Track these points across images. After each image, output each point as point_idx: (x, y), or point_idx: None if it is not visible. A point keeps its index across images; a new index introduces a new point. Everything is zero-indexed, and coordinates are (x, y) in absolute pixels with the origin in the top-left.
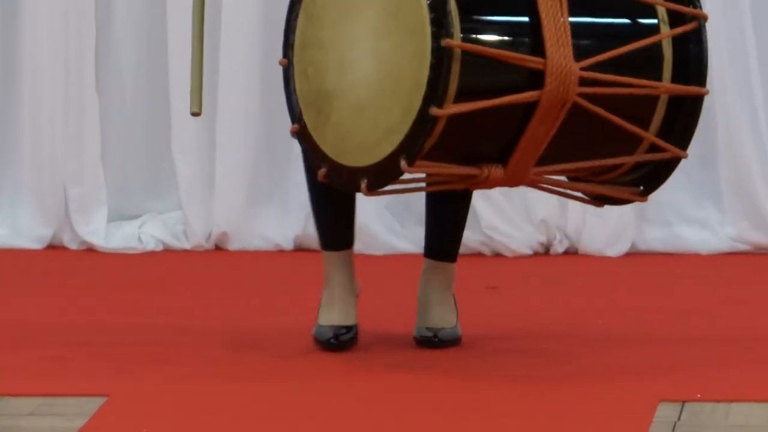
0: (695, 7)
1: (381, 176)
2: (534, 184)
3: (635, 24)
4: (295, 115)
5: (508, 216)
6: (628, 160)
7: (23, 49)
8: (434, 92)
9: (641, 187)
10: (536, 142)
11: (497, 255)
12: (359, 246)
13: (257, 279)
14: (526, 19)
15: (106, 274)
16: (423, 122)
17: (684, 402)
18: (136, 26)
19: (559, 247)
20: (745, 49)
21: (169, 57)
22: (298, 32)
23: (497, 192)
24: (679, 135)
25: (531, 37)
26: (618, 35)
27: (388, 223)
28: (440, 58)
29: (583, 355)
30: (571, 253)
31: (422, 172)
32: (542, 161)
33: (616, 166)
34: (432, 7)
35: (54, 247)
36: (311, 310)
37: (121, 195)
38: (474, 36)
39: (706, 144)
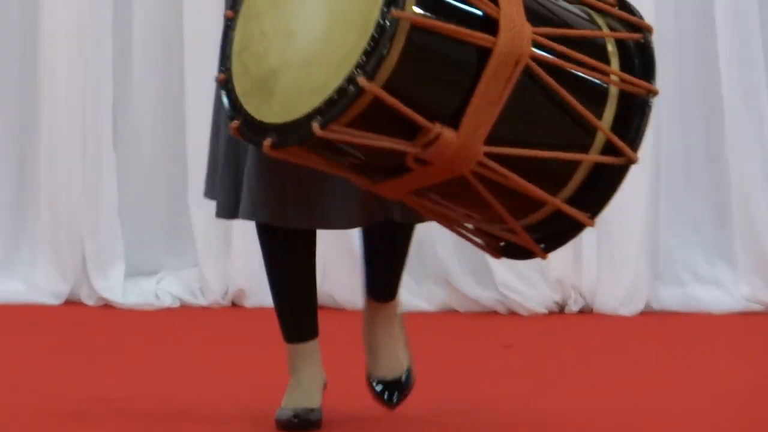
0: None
1: (289, 135)
2: (471, 177)
3: (579, 18)
4: (236, 110)
5: (523, 274)
6: (582, 157)
7: (41, 106)
8: (367, 62)
9: (543, 245)
10: (490, 103)
11: (512, 313)
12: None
13: (274, 336)
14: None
15: (122, 331)
16: (345, 90)
17: None
18: (153, 81)
19: (573, 306)
20: (760, 105)
21: (186, 113)
22: (236, 40)
23: None
24: (633, 135)
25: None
26: (562, 18)
27: (405, 281)
28: (383, 30)
29: (597, 418)
30: (586, 312)
31: (341, 139)
32: (495, 140)
33: (537, 206)
34: None
35: (71, 303)
36: (328, 365)
37: (139, 251)
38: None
39: (719, 202)
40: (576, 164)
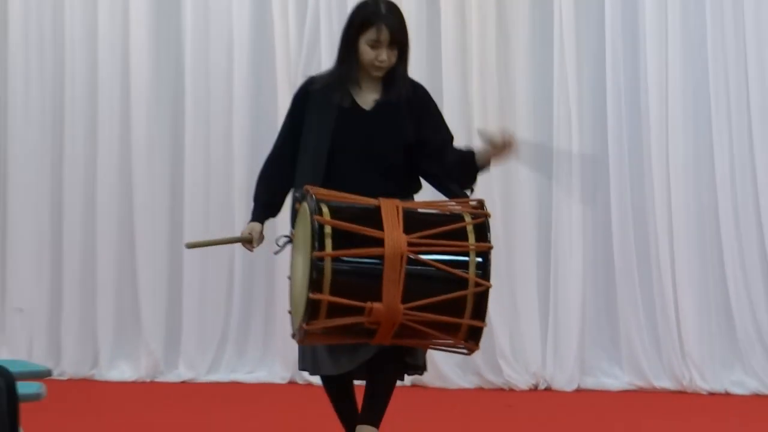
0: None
1: (298, 332)
2: (407, 323)
3: (448, 221)
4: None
5: (517, 369)
6: (463, 293)
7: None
8: (311, 284)
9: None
10: (394, 283)
11: (512, 389)
12: (432, 378)
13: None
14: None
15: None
16: (308, 302)
17: None
18: None
19: (542, 386)
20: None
21: None
22: (291, 272)
23: (510, 355)
24: (485, 273)
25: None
26: (432, 224)
27: (456, 370)
28: (314, 264)
29: None
30: (548, 389)
31: (323, 325)
32: (409, 299)
33: (458, 327)
34: (313, 235)
35: (291, 383)
36: None
37: None
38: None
39: (617, 339)
40: (464, 299)
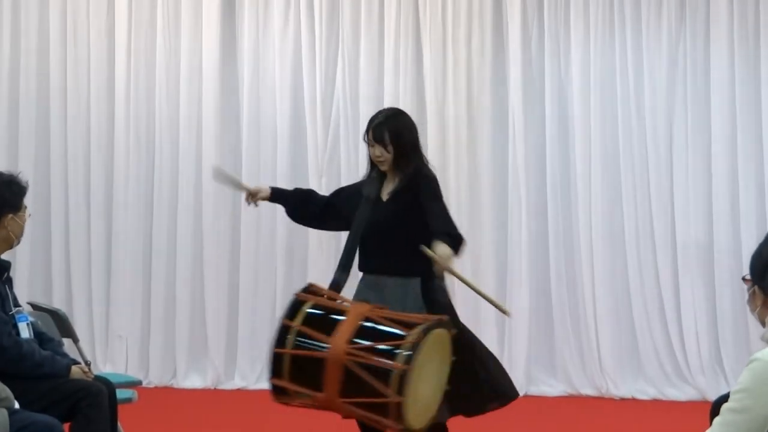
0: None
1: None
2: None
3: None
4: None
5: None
6: (372, 400)
7: None
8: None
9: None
10: (332, 382)
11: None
12: None
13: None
14: None
15: None
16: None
17: None
18: None
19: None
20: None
21: None
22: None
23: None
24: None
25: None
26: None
27: None
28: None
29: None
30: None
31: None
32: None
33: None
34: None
35: None
36: None
37: None
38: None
39: (551, 355)
40: (385, 405)
